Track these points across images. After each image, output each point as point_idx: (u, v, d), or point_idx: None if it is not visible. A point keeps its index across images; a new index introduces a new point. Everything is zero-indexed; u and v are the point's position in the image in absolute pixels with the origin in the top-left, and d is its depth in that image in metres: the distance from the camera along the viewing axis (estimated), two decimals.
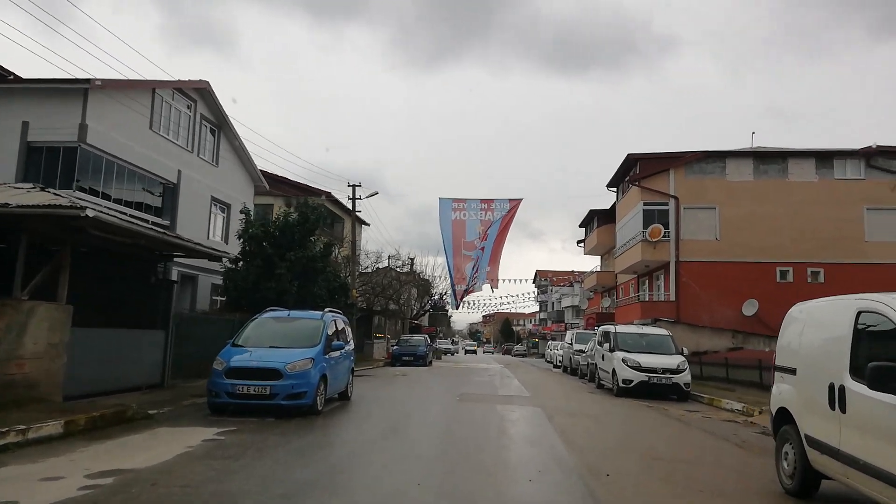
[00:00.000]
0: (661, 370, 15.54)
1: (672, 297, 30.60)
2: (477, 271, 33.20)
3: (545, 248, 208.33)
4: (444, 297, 68.92)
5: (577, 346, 26.76)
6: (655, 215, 31.04)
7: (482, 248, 33.31)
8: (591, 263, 59.64)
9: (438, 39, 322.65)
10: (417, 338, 30.86)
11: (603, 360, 17.95)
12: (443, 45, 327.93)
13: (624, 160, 32.77)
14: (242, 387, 9.87)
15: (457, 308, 33.67)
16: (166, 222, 20.69)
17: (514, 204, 34.56)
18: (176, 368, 13.95)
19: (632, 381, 15.63)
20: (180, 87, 21.64)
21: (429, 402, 13.64)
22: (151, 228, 10.93)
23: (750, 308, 29.48)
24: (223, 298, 22.72)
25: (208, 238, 22.97)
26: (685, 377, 15.64)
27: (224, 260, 20.17)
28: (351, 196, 28.00)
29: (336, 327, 12.38)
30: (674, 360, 15.92)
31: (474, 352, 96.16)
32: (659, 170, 31.29)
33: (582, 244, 52.31)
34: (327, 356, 11.14)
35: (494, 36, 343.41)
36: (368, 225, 45.91)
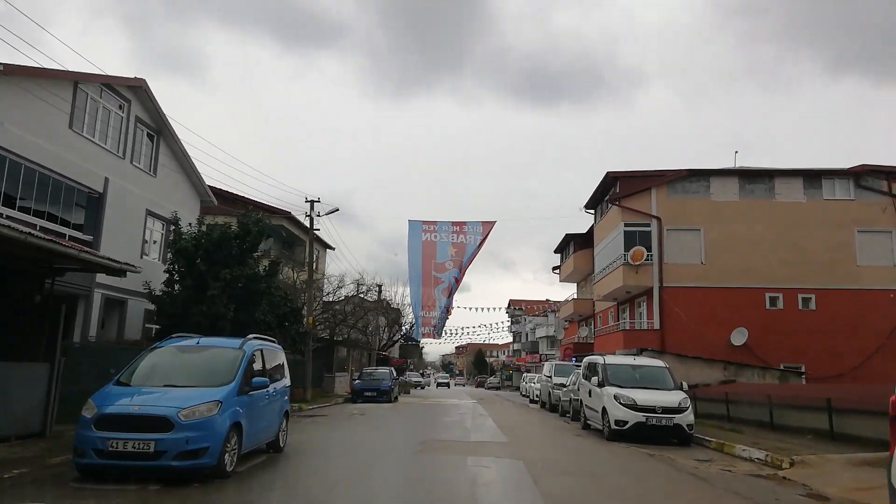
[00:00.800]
0: (661, 409, 13.17)
1: (656, 326, 28.48)
2: (449, 297, 30.73)
3: (517, 278, 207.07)
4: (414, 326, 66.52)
5: (557, 380, 24.33)
6: (637, 237, 29.10)
7: (455, 279, 30.92)
8: (566, 292, 57.75)
9: (409, 69, 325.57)
10: (382, 371, 28.09)
11: (590, 396, 15.52)
12: (413, 74, 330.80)
13: (603, 179, 30.93)
14: (116, 441, 7.16)
15: (421, 337, 31.03)
16: (88, 237, 17.87)
17: (488, 227, 32.26)
18: (65, 412, 11.10)
19: (626, 423, 13.21)
20: (111, 84, 19.01)
21: (383, 454, 11.00)
22: (10, 227, 8.25)
23: (739, 337, 27.49)
24: (157, 326, 19.84)
25: (142, 257, 20.16)
26: (688, 417, 13.29)
27: (156, 283, 17.43)
28: (308, 213, 25.48)
29: (263, 360, 9.73)
30: (674, 397, 13.57)
31: (447, 384, 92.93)
32: (640, 189, 29.47)
33: (557, 271, 50.35)
34: (245, 397, 8.51)
35: (465, 67, 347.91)
36: (333, 249, 43.31)
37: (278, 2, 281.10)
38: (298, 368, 24.39)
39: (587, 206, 36.45)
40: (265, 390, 9.33)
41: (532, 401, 32.93)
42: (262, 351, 9.77)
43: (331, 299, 34.71)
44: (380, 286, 45.58)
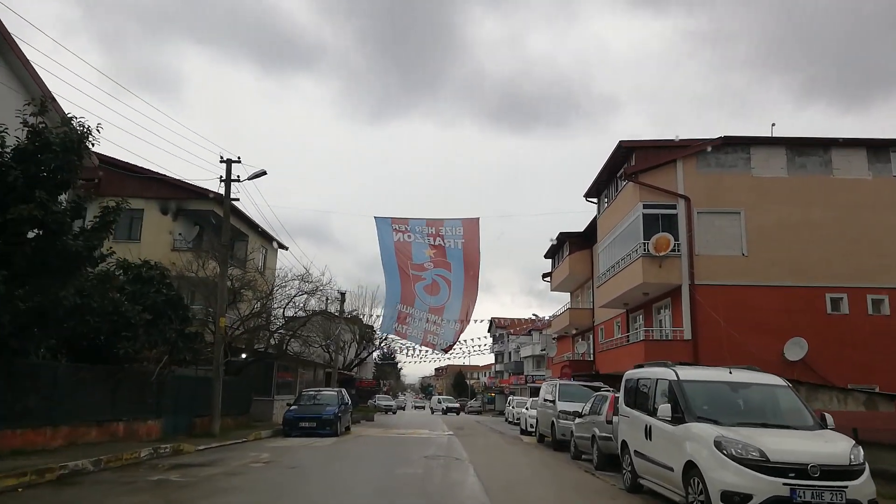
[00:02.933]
0: (818, 470, 6.53)
1: (686, 335, 21.99)
2: (442, 315, 23.52)
3: (496, 301, 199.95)
4: (391, 343, 58.77)
5: (563, 406, 17.62)
6: (660, 221, 22.72)
7: (441, 277, 23.87)
8: (552, 308, 51.14)
9: (386, 92, 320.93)
10: (327, 393, 21.08)
11: (649, 438, 8.83)
12: (391, 98, 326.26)
13: (614, 152, 24.58)
14: None
15: (393, 333, 24.01)
16: None
17: (470, 225, 24.96)
18: None
19: (749, 498, 6.53)
20: None
21: None
22: None
23: (796, 350, 21.08)
24: None
25: None
26: (867, 486, 6.68)
27: None
28: (224, 177, 18.59)
29: None
30: (834, 447, 6.96)
31: (423, 408, 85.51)
32: (663, 161, 23.18)
33: (548, 279, 43.85)
34: None
35: (441, 90, 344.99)
36: (286, 248, 36.40)
37: (255, 23, 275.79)
38: (201, 388, 17.37)
39: (588, 195, 30.13)
40: None
41: (525, 431, 26.10)
42: None
43: (281, 308, 27.62)
44: (342, 293, 38.72)
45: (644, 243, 22.39)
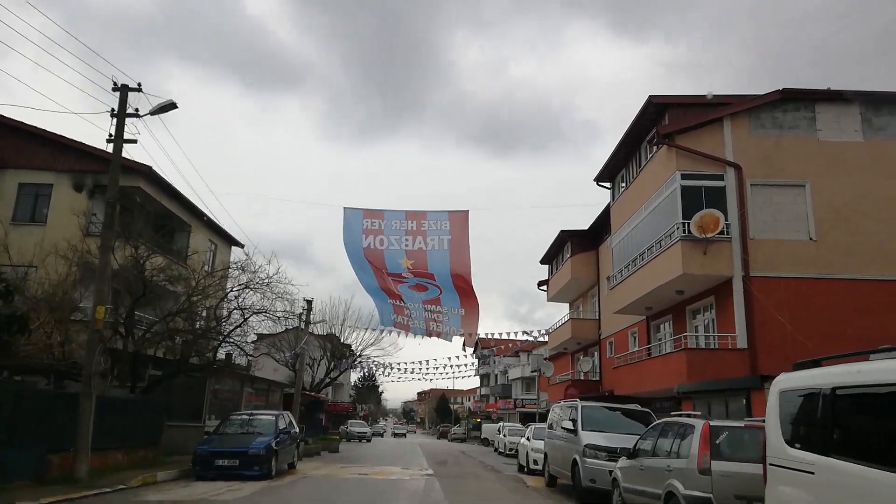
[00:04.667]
0: None
1: (741, 342, 16.76)
2: (440, 304, 18.19)
3: (480, 325, 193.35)
4: (372, 365, 52.78)
5: (590, 437, 12.23)
6: (703, 196, 17.63)
7: (436, 297, 18.33)
8: (543, 323, 45.91)
9: (369, 115, 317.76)
10: (262, 419, 15.22)
11: None
12: (374, 120, 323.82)
13: (642, 109, 19.52)
14: None
15: (389, 326, 18.32)
16: None
17: (458, 220, 19.13)
18: None
19: None
20: None
21: None
22: None
23: None
24: None
25: None
26: None
27: None
28: (116, 110, 13.17)
29: None
30: None
31: (403, 434, 79.25)
32: (706, 120, 18.20)
33: (544, 287, 38.55)
34: None
35: (425, 113, 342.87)
36: (241, 246, 30.87)
37: (241, 44, 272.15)
38: (62, 410, 11.78)
39: (601, 178, 25.09)
40: None
41: (524, 468, 20.57)
42: None
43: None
44: (309, 301, 33.13)
45: (684, 223, 17.24)
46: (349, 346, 47.07)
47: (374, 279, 18.15)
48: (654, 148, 19.19)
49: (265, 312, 17.69)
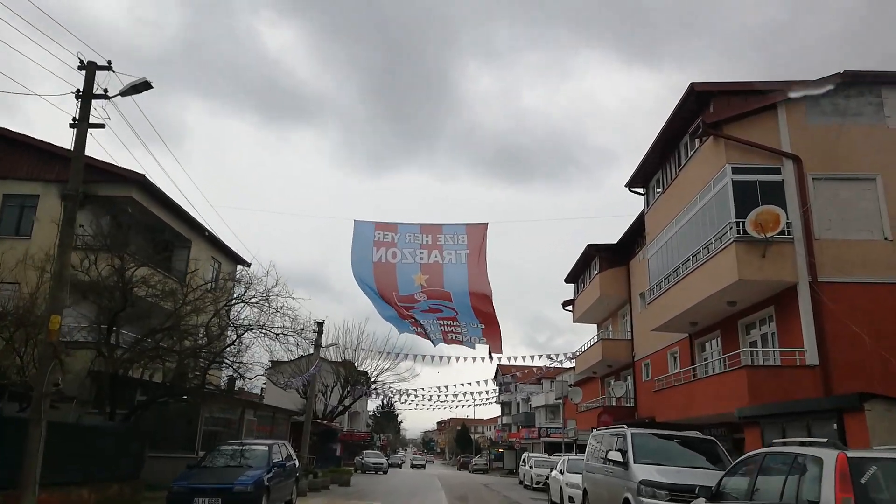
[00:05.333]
0: None
1: (811, 358, 14.41)
2: (455, 324, 16.14)
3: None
4: (388, 392, 50.36)
5: (646, 472, 10.01)
6: (758, 192, 15.48)
7: (452, 316, 16.26)
8: (563, 350, 43.81)
9: (384, 144, 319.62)
10: (254, 449, 12.99)
11: None
12: (390, 149, 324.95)
13: (682, 101, 17.49)
14: None
15: (407, 330, 15.99)
16: None
17: (476, 233, 17.11)
18: None
19: None
20: None
21: None
22: None
23: None
24: None
25: None
26: None
27: None
28: (82, 90, 11.48)
29: None
30: None
31: (423, 465, 76.27)
32: (756, 107, 16.14)
33: (569, 307, 36.21)
34: None
35: (439, 142, 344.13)
36: (248, 265, 29.08)
37: (257, 76, 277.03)
38: (9, 438, 9.87)
39: (633, 184, 23.04)
40: None
41: None
42: None
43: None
44: (320, 324, 31.21)
45: (738, 222, 15.08)
46: (365, 372, 45.00)
47: (380, 298, 16.16)
48: (698, 142, 17.14)
49: (263, 329, 15.73)
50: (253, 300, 16.24)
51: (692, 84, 16.90)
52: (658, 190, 21.62)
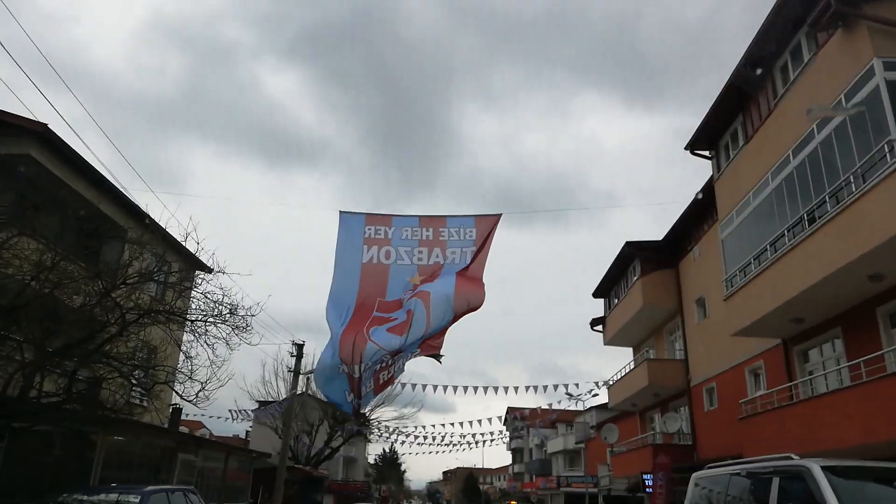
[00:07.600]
0: None
1: None
2: (401, 348, 10.53)
3: (502, 400, 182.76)
4: (387, 430, 44.09)
5: None
6: None
7: (405, 321, 10.88)
8: (566, 403, 37.04)
9: (385, 188, 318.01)
10: (128, 500, 7.63)
11: None
12: (391, 192, 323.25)
13: None
14: None
15: (352, 413, 10.20)
16: None
17: (486, 226, 11.79)
18: None
19: None
20: None
21: None
22: None
23: None
24: None
25: None
26: None
27: None
28: None
29: None
30: None
31: None
32: None
33: (599, 327, 30.30)
34: None
35: (441, 186, 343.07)
36: (210, 271, 23.51)
37: (259, 122, 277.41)
38: None
39: (695, 146, 17.73)
40: None
41: None
42: None
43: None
44: (300, 346, 25.55)
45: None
46: (366, 414, 38.95)
47: (345, 320, 10.93)
48: (814, 45, 11.81)
49: (170, 314, 10.20)
50: (161, 278, 10.72)
51: None
52: (733, 148, 16.25)
